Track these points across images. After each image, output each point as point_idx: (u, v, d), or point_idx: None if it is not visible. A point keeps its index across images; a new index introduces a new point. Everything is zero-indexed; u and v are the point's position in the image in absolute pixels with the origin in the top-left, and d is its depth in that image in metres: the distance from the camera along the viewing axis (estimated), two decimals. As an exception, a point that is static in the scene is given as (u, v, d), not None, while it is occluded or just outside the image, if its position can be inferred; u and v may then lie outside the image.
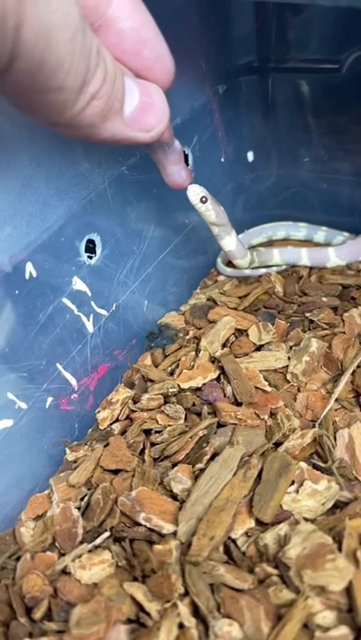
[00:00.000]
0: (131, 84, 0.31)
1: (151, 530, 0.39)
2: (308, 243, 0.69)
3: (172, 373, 0.53)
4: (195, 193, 0.47)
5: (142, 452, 0.46)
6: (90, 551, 0.38)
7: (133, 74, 0.33)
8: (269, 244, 0.70)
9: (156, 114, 0.33)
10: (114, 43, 0.31)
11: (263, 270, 0.64)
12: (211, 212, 0.49)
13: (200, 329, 0.58)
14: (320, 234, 0.67)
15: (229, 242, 0.54)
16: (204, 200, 0.48)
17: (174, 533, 0.38)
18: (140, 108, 0.32)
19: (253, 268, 0.63)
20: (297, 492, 0.39)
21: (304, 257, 0.63)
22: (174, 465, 0.44)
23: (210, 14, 0.55)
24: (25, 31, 0.22)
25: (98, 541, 0.39)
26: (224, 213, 0.51)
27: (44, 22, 0.23)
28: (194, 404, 0.49)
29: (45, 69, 0.24)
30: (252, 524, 0.38)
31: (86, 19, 0.26)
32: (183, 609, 0.33)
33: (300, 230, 0.69)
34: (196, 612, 0.34)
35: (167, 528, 0.39)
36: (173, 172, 0.42)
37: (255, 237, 0.70)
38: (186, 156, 0.57)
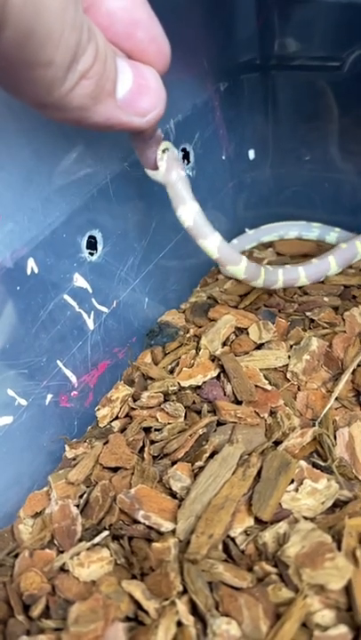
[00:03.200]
0: (123, 66, 0.30)
1: (150, 528, 0.39)
2: (320, 244, 0.68)
3: (172, 371, 0.53)
4: (161, 145, 0.40)
5: (142, 449, 0.46)
6: (88, 549, 0.38)
7: (127, 57, 0.31)
8: (272, 243, 0.70)
9: (152, 97, 0.31)
10: (105, 24, 0.29)
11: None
12: (163, 162, 0.41)
13: (200, 327, 0.58)
14: (333, 235, 0.67)
15: (185, 214, 0.44)
16: (164, 151, 0.41)
17: (173, 531, 0.38)
18: (134, 90, 0.30)
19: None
20: (296, 490, 0.39)
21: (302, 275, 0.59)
22: (174, 463, 0.44)
23: (212, 11, 0.55)
24: None
25: (97, 540, 0.39)
26: (182, 177, 0.42)
27: None
28: (194, 403, 0.49)
29: (34, 39, 0.23)
30: (251, 522, 0.38)
31: None
32: (181, 607, 0.33)
33: (312, 231, 0.69)
34: (194, 610, 0.34)
35: (166, 526, 0.39)
36: (149, 155, 0.40)
37: (266, 235, 0.70)
38: (187, 154, 0.57)
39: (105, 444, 0.46)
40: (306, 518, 0.38)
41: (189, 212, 0.44)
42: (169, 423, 0.47)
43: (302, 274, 0.57)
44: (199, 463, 0.42)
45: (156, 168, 0.41)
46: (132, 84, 0.30)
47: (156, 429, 0.47)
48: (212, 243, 0.46)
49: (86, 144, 0.44)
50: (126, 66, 0.30)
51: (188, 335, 0.57)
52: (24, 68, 0.25)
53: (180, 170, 0.42)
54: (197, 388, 0.50)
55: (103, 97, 0.29)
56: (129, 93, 0.30)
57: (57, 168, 0.41)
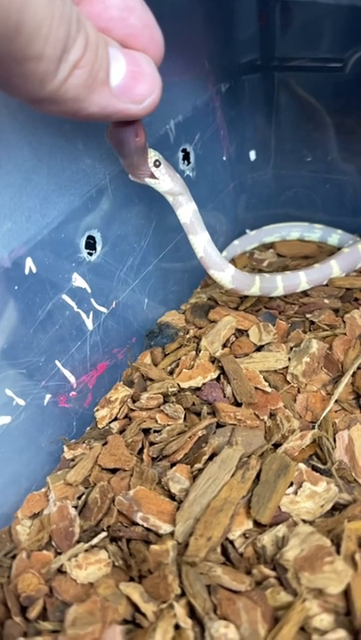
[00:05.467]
0: (116, 54, 0.30)
1: (148, 530, 0.39)
2: (321, 245, 0.68)
3: (171, 372, 0.52)
4: (149, 157, 0.43)
5: (141, 451, 0.46)
6: (86, 550, 0.38)
7: (121, 44, 0.31)
8: (269, 245, 0.70)
9: (147, 83, 0.31)
10: (99, 11, 0.30)
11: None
12: (165, 176, 0.44)
13: (200, 328, 0.57)
14: (335, 236, 0.67)
15: (184, 213, 0.48)
16: (157, 164, 0.43)
17: (171, 533, 0.38)
18: (129, 77, 0.30)
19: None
20: (296, 493, 0.39)
21: (303, 280, 0.58)
22: (173, 465, 0.43)
23: (213, 12, 0.55)
24: None
25: (95, 541, 0.39)
26: (180, 179, 0.46)
27: None
28: (193, 404, 0.48)
29: (23, 33, 0.23)
30: (249, 525, 0.38)
31: None
32: (179, 610, 0.33)
33: (314, 232, 0.69)
34: (192, 613, 0.34)
35: (164, 528, 0.38)
36: (144, 170, 0.42)
37: (268, 236, 0.70)
38: (187, 154, 0.57)
39: (104, 445, 0.46)
40: (305, 521, 0.38)
41: (187, 211, 0.48)
42: (168, 425, 0.47)
43: (303, 279, 0.57)
44: (198, 465, 0.42)
45: (152, 176, 0.43)
46: (126, 71, 0.30)
47: (155, 431, 0.47)
48: (199, 240, 0.49)
49: (85, 144, 0.43)
50: (119, 54, 0.30)
51: (187, 336, 0.56)
52: (15, 62, 0.25)
53: (176, 174, 0.45)
54: (197, 389, 0.50)
55: (97, 86, 0.29)
56: (123, 80, 0.30)
57: (55, 168, 0.41)
